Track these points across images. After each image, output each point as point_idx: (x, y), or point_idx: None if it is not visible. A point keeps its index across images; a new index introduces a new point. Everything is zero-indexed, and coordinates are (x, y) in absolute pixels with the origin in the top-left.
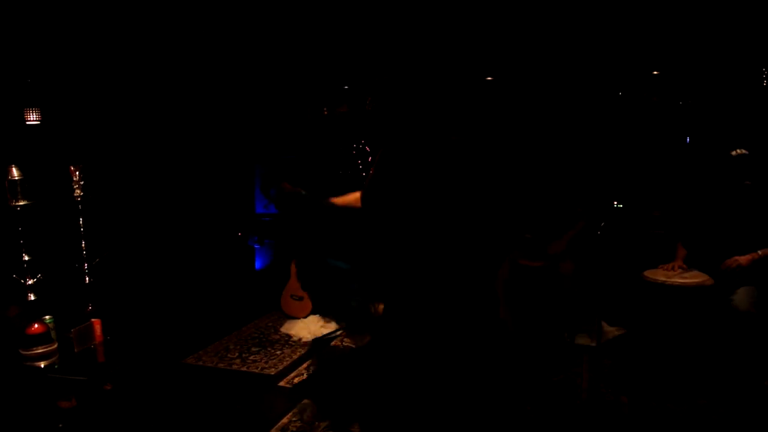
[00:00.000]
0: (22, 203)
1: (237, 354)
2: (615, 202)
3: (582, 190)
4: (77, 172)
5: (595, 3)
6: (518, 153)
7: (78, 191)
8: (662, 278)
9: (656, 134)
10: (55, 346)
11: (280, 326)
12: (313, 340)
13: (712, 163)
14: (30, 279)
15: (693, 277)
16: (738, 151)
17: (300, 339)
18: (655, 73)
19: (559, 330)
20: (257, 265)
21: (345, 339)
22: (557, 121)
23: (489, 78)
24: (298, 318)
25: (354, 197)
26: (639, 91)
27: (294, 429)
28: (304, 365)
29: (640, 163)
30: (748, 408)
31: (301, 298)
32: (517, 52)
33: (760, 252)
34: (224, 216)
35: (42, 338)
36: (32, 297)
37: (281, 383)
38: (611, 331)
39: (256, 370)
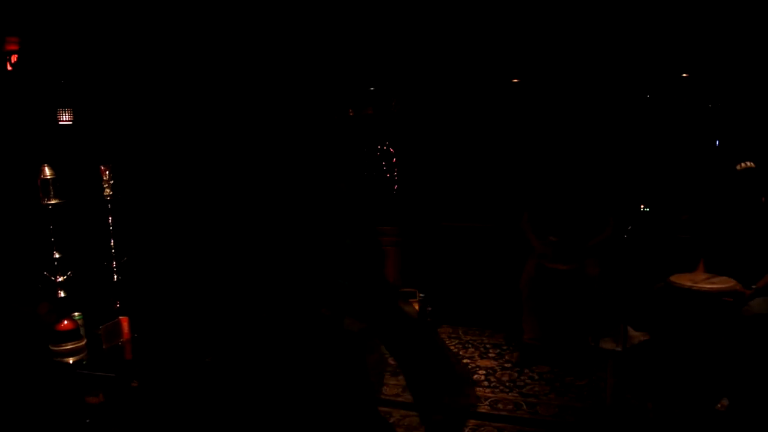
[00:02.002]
0: (53, 202)
1: None
2: (642, 206)
3: (609, 193)
4: (107, 172)
5: (622, 5)
6: (545, 155)
7: (108, 190)
8: (689, 283)
9: (685, 137)
10: (84, 342)
11: None
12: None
13: (727, 175)
14: (60, 276)
15: (721, 283)
16: (744, 164)
17: None
18: (685, 75)
19: (584, 334)
20: None
21: None
22: (585, 124)
23: (515, 80)
24: None
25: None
26: (667, 93)
27: None
28: None
29: (668, 166)
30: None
31: None
32: (545, 55)
33: None
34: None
35: (71, 335)
36: (62, 294)
37: None
38: (637, 335)
39: None
